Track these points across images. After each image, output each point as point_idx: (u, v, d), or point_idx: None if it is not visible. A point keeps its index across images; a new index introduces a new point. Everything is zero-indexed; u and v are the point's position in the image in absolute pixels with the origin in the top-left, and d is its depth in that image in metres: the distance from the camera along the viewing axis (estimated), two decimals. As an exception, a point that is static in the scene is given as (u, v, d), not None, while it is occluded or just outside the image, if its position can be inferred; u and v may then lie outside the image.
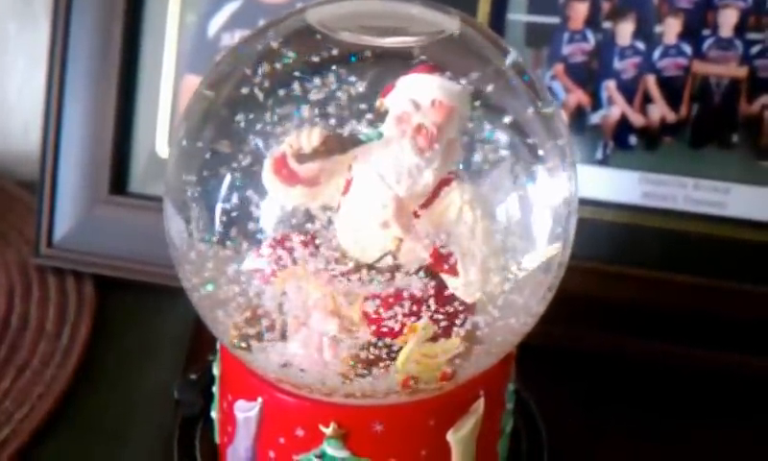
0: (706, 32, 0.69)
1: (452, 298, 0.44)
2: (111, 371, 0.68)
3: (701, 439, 0.64)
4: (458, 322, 0.44)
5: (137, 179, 0.76)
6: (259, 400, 0.47)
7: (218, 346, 0.51)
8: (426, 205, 0.44)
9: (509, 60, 0.48)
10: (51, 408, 0.63)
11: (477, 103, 0.44)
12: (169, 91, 0.75)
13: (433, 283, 0.44)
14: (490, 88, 0.45)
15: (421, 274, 0.44)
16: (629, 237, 0.70)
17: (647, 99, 0.71)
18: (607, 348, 0.69)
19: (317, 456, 0.46)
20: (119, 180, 0.75)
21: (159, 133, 0.75)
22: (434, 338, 0.44)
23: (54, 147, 0.75)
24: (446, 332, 0.44)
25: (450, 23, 0.47)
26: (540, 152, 0.46)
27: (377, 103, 0.44)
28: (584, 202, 0.69)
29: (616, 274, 0.69)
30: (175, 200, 0.47)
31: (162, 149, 0.75)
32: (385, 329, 0.44)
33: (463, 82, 0.44)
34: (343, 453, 0.46)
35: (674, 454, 0.63)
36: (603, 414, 0.65)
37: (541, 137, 0.46)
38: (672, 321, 0.69)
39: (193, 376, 0.56)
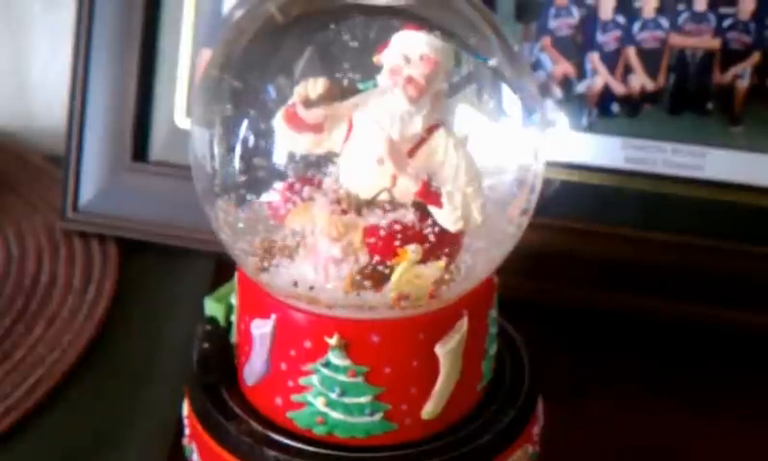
0: (681, 7, 0.76)
1: (438, 227, 0.51)
2: (134, 322, 0.76)
3: (670, 383, 0.72)
4: (443, 247, 0.51)
5: (157, 147, 0.82)
6: (273, 316, 0.53)
7: (236, 276, 0.57)
8: (417, 147, 0.50)
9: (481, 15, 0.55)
10: (80, 353, 0.71)
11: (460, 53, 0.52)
12: (186, 65, 0.81)
13: (422, 214, 0.51)
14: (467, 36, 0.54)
15: (412, 206, 0.51)
16: (612, 198, 0.77)
17: (628, 69, 0.77)
18: (593, 301, 0.75)
19: (323, 365, 0.52)
20: (140, 148, 0.82)
21: (178, 104, 0.82)
22: (422, 261, 0.50)
23: (79, 118, 0.81)
24: (433, 256, 0.51)
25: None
26: (507, 78, 0.53)
27: (374, 58, 0.51)
28: (570, 166, 0.78)
29: (601, 233, 0.76)
30: (201, 143, 0.54)
31: (180, 119, 0.81)
32: (381, 254, 0.51)
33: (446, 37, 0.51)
34: (345, 362, 0.51)
35: (641, 380, 0.72)
36: (586, 357, 0.73)
37: (504, 63, 0.54)
38: (653, 275, 0.75)
39: (206, 345, 0.58)
